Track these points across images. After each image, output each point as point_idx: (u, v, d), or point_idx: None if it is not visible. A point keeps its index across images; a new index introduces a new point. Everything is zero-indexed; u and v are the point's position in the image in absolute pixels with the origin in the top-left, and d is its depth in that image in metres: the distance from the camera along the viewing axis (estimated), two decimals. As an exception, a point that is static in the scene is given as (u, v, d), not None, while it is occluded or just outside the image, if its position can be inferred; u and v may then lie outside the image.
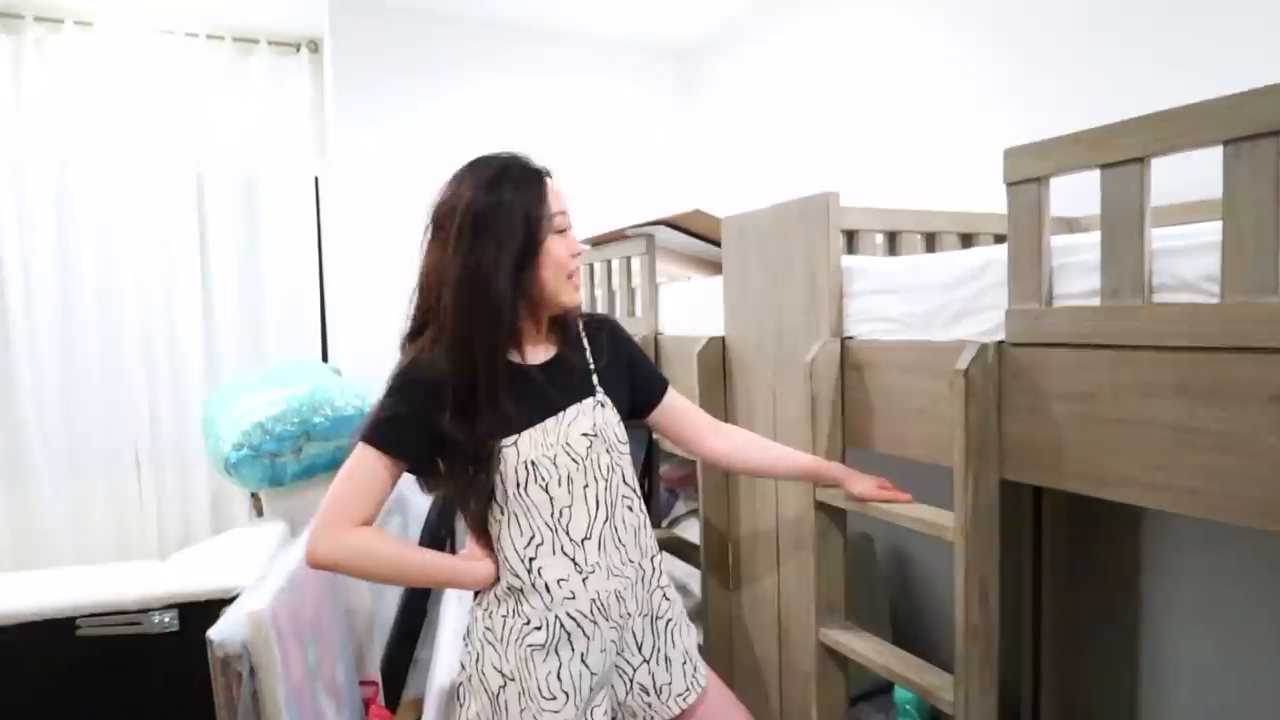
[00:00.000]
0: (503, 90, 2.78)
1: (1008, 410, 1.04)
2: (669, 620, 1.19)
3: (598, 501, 1.09)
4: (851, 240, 1.37)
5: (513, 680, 1.03)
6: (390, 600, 2.59)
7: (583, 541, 1.07)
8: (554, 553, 1.06)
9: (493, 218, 1.01)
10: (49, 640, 1.59)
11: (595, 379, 1.15)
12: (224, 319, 2.62)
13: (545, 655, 1.04)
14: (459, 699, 1.10)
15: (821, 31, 2.42)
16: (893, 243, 1.45)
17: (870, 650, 1.25)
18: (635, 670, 1.15)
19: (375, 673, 2.20)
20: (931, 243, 1.47)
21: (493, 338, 1.02)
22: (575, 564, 1.06)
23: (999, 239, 1.53)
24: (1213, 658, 1.50)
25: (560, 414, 1.08)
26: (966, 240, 1.51)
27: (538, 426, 1.06)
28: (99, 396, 2.47)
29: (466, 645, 1.11)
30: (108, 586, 1.68)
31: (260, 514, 2.24)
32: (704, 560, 1.69)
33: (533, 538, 1.05)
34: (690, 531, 1.89)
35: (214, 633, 1.40)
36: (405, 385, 1.03)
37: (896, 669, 1.17)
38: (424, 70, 2.65)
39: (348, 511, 1.00)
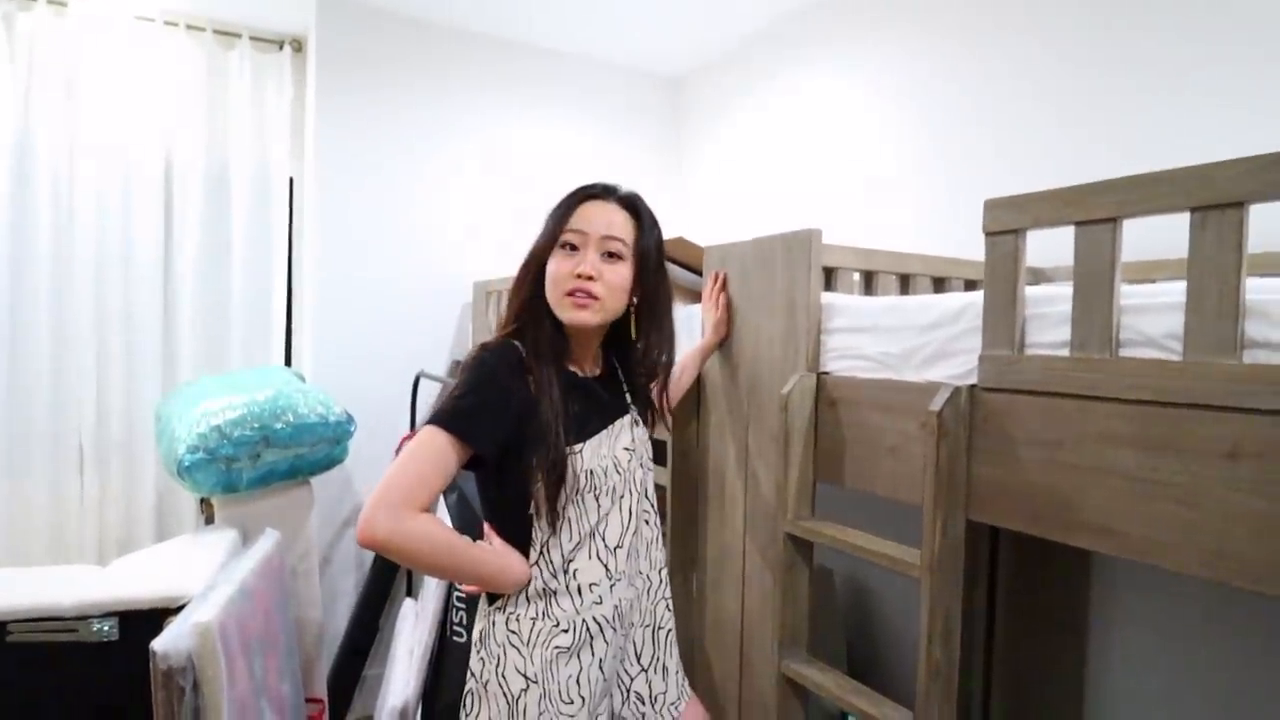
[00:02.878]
0: (490, 104, 2.78)
1: (977, 452, 1.07)
2: (669, 630, 1.24)
3: (630, 512, 1.13)
4: (829, 277, 1.40)
5: (535, 683, 1.04)
6: (340, 614, 2.51)
7: (615, 549, 1.11)
8: (590, 557, 1.09)
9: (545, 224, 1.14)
10: (-25, 645, 1.50)
11: (628, 398, 1.21)
12: (185, 315, 2.53)
13: (569, 659, 1.06)
14: (465, 708, 1.08)
15: (813, 71, 2.49)
16: (869, 282, 1.49)
17: (832, 684, 1.26)
18: (633, 679, 1.18)
19: (321, 691, 2.12)
20: (906, 284, 1.51)
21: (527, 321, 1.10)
22: (607, 570, 1.10)
23: (969, 285, 1.58)
24: (1157, 697, 1.55)
25: (610, 426, 1.13)
26: (939, 284, 1.56)
27: (598, 436, 1.10)
28: (45, 387, 2.35)
29: (479, 651, 1.08)
30: (43, 590, 1.60)
31: (209, 521, 2.15)
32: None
33: (577, 543, 1.08)
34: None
35: (158, 644, 1.34)
36: (487, 375, 1.03)
37: (858, 704, 1.19)
38: (410, 78, 2.63)
39: (415, 494, 0.95)
